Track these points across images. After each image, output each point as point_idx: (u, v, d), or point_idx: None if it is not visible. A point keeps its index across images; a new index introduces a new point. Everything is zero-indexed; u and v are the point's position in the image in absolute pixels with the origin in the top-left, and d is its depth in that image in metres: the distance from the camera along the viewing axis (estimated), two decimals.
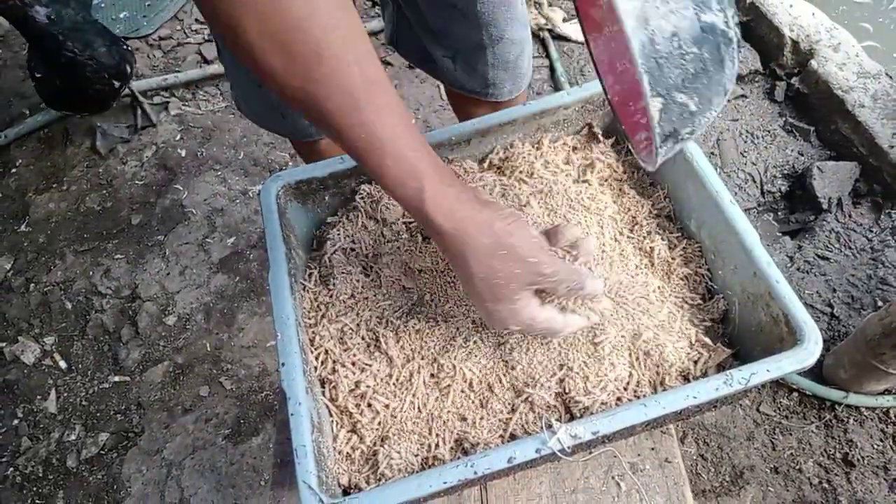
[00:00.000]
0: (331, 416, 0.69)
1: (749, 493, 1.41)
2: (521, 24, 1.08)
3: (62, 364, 1.72)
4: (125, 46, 1.94)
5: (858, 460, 1.41)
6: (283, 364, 0.64)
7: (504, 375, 0.69)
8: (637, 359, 0.68)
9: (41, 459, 1.58)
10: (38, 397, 1.67)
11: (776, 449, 1.45)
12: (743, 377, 0.59)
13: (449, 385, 0.69)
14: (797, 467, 1.43)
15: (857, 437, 1.43)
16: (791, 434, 1.46)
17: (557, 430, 0.57)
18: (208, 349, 1.71)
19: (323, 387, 0.70)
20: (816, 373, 1.53)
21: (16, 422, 1.64)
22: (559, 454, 0.57)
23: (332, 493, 0.58)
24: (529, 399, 0.67)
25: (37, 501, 1.53)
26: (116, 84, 1.89)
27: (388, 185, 0.56)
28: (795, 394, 1.51)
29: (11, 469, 1.57)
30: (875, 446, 1.42)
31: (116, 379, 1.69)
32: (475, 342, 0.70)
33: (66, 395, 1.68)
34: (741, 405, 1.51)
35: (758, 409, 1.50)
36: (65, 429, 1.62)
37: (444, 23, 1.04)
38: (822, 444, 1.45)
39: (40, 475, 1.56)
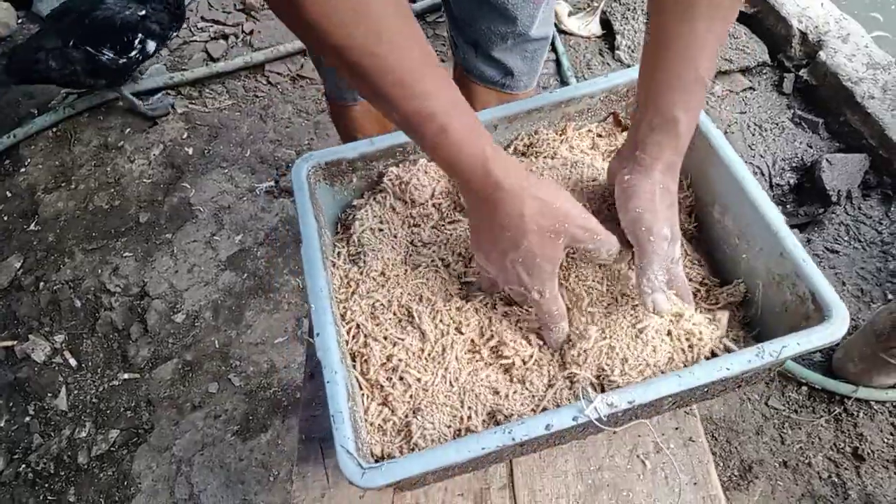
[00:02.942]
0: (361, 389, 0.69)
1: (758, 487, 1.40)
2: (547, 22, 1.11)
3: (72, 362, 1.73)
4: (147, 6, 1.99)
5: (868, 454, 1.40)
6: (317, 334, 0.64)
7: (553, 354, 0.70)
8: (679, 340, 0.68)
9: (53, 456, 1.59)
10: (49, 395, 1.68)
11: (785, 443, 1.44)
12: (774, 350, 0.60)
13: (489, 361, 0.69)
14: (806, 461, 1.42)
15: (867, 430, 1.43)
16: (800, 428, 1.46)
17: (594, 398, 0.58)
18: (217, 346, 1.72)
19: (354, 360, 0.71)
20: (826, 366, 1.52)
21: (27, 419, 1.65)
22: (596, 423, 0.58)
23: (367, 460, 0.59)
24: (571, 377, 0.67)
25: (49, 498, 1.54)
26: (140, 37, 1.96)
27: (448, 148, 0.58)
28: (805, 388, 1.50)
29: (24, 466, 1.58)
30: (885, 440, 1.41)
31: (126, 376, 1.70)
32: (526, 322, 0.71)
33: (76, 392, 1.69)
34: (749, 399, 1.50)
35: (766, 404, 1.49)
36: (75, 426, 1.63)
37: (468, 11, 1.06)
38: (831, 438, 1.44)
39: (52, 472, 1.57)
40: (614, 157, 0.71)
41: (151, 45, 1.98)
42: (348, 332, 0.72)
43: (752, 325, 0.74)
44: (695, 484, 0.71)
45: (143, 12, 1.94)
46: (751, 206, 0.71)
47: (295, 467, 0.74)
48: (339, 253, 0.79)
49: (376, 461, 0.65)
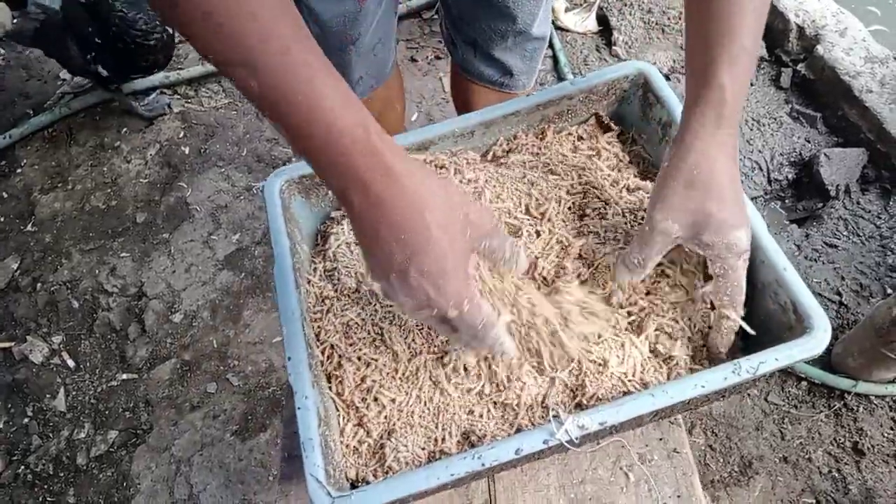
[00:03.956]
0: (337, 410, 0.69)
1: (758, 483, 1.40)
2: (546, 20, 1.10)
3: (70, 363, 1.73)
4: None
5: (868, 449, 1.40)
6: (289, 358, 0.64)
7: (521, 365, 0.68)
8: (651, 351, 0.67)
9: (51, 457, 1.59)
10: (48, 396, 1.68)
11: (785, 438, 1.44)
12: (751, 366, 0.59)
13: (455, 382, 0.68)
14: (807, 456, 1.42)
15: (867, 425, 1.42)
16: (800, 423, 1.46)
17: (565, 420, 0.57)
18: (215, 346, 1.71)
19: (329, 381, 0.70)
20: (825, 361, 1.52)
21: (26, 420, 1.65)
22: (567, 445, 0.57)
23: (339, 487, 0.58)
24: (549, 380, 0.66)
25: (48, 499, 1.54)
26: (171, 30, 1.93)
27: (318, 120, 0.47)
28: (804, 383, 1.50)
29: (22, 467, 1.58)
30: (885, 434, 1.41)
31: (124, 377, 1.69)
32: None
33: (74, 393, 1.68)
34: (749, 395, 1.50)
35: (766, 399, 1.49)
36: (74, 427, 1.63)
37: (468, 10, 1.06)
38: (831, 433, 1.44)
39: (51, 473, 1.57)
40: (669, 147, 0.66)
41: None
42: (323, 353, 0.71)
43: (739, 333, 0.73)
44: (678, 497, 0.70)
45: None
46: None
47: (278, 486, 0.74)
48: (315, 269, 0.77)
49: (352, 485, 0.65)
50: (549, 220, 0.76)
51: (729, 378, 0.59)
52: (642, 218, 0.74)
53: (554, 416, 0.58)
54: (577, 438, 0.57)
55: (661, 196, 0.62)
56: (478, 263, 0.60)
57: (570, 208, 0.77)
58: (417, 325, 0.71)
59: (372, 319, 0.72)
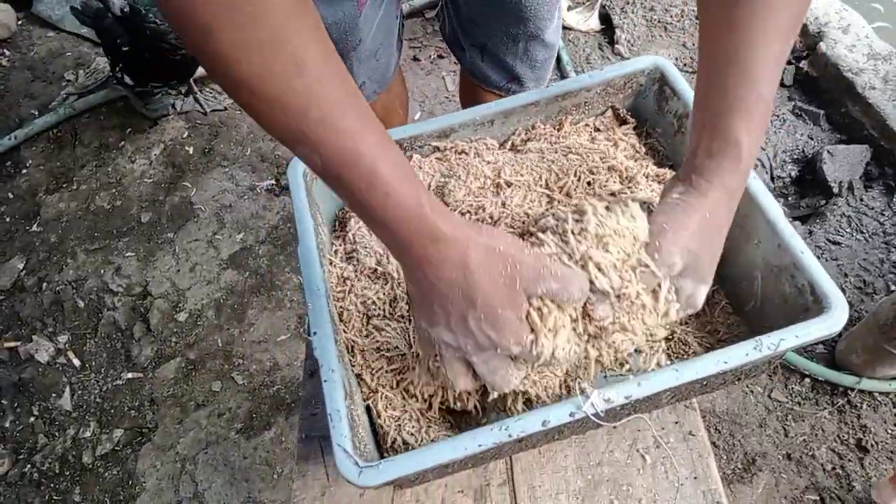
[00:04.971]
0: (360, 386, 0.69)
1: (762, 479, 1.40)
2: (557, 28, 1.09)
3: (76, 362, 1.74)
4: None
5: (872, 445, 1.40)
6: (314, 333, 0.64)
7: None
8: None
9: (57, 456, 1.60)
10: (53, 395, 1.69)
11: (789, 435, 1.44)
12: (772, 343, 0.59)
13: None
14: (810, 453, 1.42)
15: (871, 422, 1.42)
16: (804, 420, 1.46)
17: (590, 394, 0.58)
18: (220, 345, 1.72)
19: (353, 355, 0.71)
20: (829, 358, 1.52)
21: (32, 419, 1.66)
22: (592, 418, 0.58)
23: (366, 458, 0.59)
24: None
25: (54, 497, 1.55)
26: None
27: (377, 192, 0.51)
28: (808, 380, 1.50)
29: (29, 466, 1.59)
30: (889, 431, 1.41)
31: (129, 376, 1.70)
32: None
33: (80, 392, 1.69)
34: (752, 392, 1.50)
35: (770, 396, 1.49)
36: (80, 426, 1.64)
37: (479, 11, 1.04)
38: (835, 430, 1.44)
39: (57, 472, 1.58)
40: (667, 183, 0.65)
41: None
42: (346, 332, 0.72)
43: (752, 318, 0.74)
44: (695, 478, 0.71)
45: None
46: (749, 197, 0.70)
47: (295, 465, 0.75)
48: (336, 251, 0.79)
49: (381, 455, 0.65)
50: (567, 194, 0.77)
51: (751, 354, 0.59)
52: None
53: (581, 391, 0.59)
54: (602, 412, 0.57)
55: (677, 231, 0.60)
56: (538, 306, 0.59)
57: (589, 183, 0.78)
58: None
59: (390, 298, 0.73)
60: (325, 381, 0.61)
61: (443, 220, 0.52)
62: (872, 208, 1.70)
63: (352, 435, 0.58)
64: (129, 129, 2.22)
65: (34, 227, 2.02)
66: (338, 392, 0.60)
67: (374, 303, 0.73)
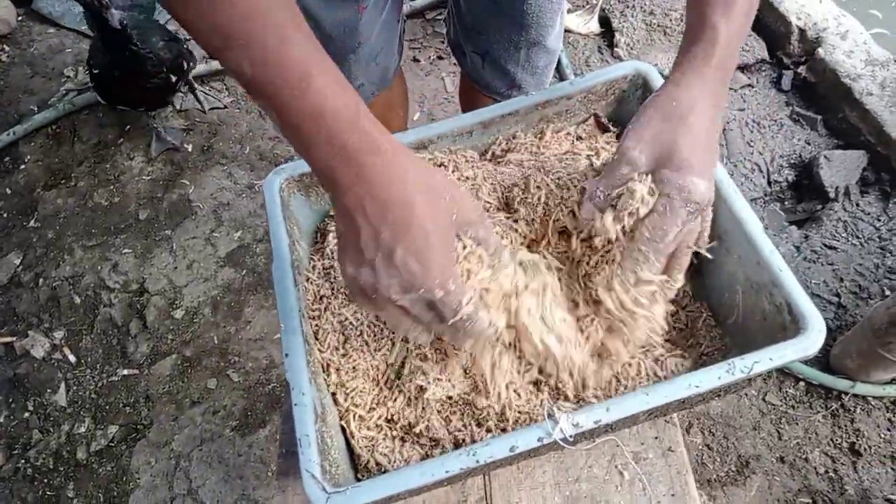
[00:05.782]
0: (336, 406, 0.69)
1: (755, 482, 1.40)
2: (559, 35, 1.08)
3: (71, 358, 1.74)
4: (184, 45, 2.01)
5: (865, 449, 1.40)
6: (286, 355, 0.64)
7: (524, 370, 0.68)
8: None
9: (52, 452, 1.60)
10: (48, 391, 1.69)
11: (782, 438, 1.45)
12: (745, 366, 0.59)
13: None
14: (803, 457, 1.42)
15: (864, 426, 1.43)
16: (797, 423, 1.46)
17: (559, 418, 0.57)
18: (216, 342, 1.72)
19: (328, 374, 0.71)
20: (823, 362, 1.52)
21: (26, 415, 1.66)
22: (561, 443, 0.57)
23: (335, 483, 0.59)
24: (548, 383, 0.66)
25: (48, 493, 1.55)
26: (173, 79, 1.95)
27: (308, 99, 0.47)
28: (802, 383, 1.50)
29: (23, 461, 1.59)
30: (882, 435, 1.42)
31: (125, 372, 1.70)
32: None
33: (75, 388, 1.69)
34: (747, 395, 1.50)
35: (764, 399, 1.50)
36: (74, 421, 1.64)
37: (481, 18, 1.04)
38: (828, 434, 1.44)
39: (51, 467, 1.58)
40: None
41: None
42: (321, 351, 0.71)
43: (734, 333, 0.72)
44: (672, 496, 0.70)
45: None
46: (728, 211, 0.69)
47: (276, 481, 0.74)
48: (313, 267, 0.77)
49: (357, 474, 0.65)
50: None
51: (723, 377, 0.58)
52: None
53: (549, 415, 0.58)
54: (571, 436, 0.57)
55: (636, 126, 0.60)
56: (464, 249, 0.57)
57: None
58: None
59: (366, 318, 0.73)
60: (296, 404, 0.61)
61: (381, 134, 0.49)
62: (868, 213, 1.70)
63: (321, 459, 0.58)
64: (127, 127, 2.21)
65: (31, 223, 2.01)
66: (307, 416, 0.60)
67: (350, 324, 0.72)
